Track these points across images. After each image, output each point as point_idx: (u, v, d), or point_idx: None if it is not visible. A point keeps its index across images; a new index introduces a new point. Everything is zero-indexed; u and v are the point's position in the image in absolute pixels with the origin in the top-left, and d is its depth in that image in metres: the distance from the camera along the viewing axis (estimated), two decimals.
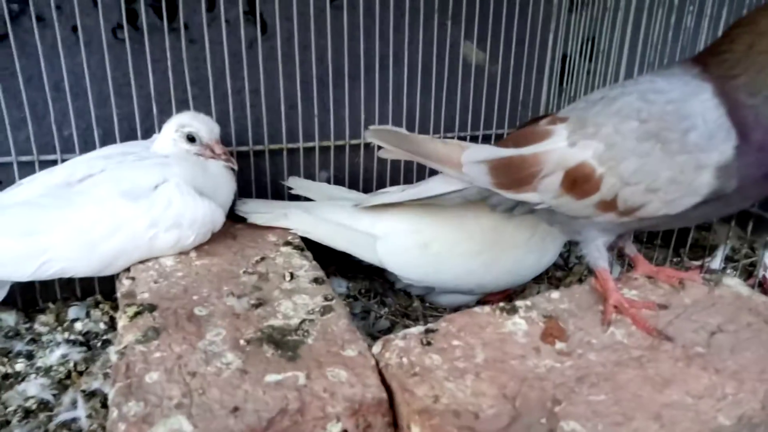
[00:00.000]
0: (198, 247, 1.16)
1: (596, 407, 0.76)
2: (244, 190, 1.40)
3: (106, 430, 0.74)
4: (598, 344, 0.89)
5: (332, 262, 1.40)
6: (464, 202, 1.16)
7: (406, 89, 1.46)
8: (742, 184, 0.84)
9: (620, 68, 1.41)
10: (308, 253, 1.18)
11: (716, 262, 1.40)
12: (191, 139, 1.19)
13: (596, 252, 1.00)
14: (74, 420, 0.98)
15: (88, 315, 1.27)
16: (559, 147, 0.94)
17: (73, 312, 1.27)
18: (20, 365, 1.11)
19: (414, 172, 1.55)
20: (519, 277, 1.32)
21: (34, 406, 1.01)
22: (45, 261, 1.04)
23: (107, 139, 1.27)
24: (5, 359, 1.12)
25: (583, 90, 1.56)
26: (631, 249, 1.10)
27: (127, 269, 1.10)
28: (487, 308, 0.96)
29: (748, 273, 1.43)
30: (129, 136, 1.28)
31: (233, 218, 1.29)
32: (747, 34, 0.81)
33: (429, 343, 0.87)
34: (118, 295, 1.05)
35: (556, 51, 1.59)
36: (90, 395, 1.03)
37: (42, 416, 0.99)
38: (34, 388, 1.04)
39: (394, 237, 1.25)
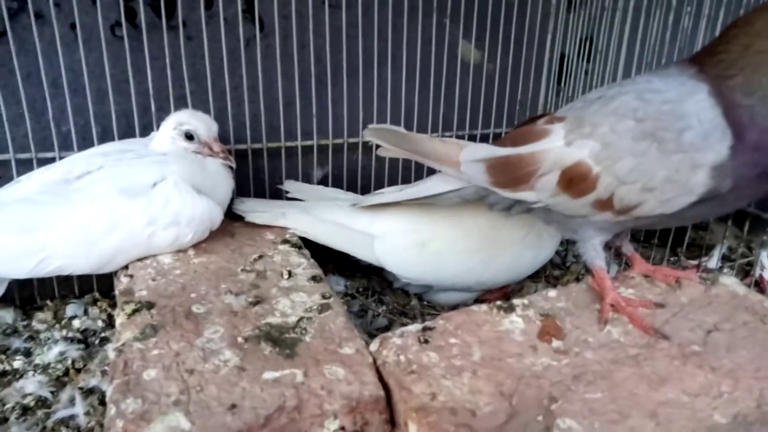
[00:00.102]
0: (196, 245, 1.16)
1: (593, 405, 0.76)
2: (242, 189, 1.40)
3: (103, 427, 0.74)
4: (594, 342, 0.89)
5: (330, 260, 1.40)
6: (462, 202, 1.16)
7: (404, 88, 1.46)
8: (738, 184, 0.84)
9: (618, 68, 1.41)
10: (306, 251, 1.19)
11: (713, 262, 1.41)
12: (189, 137, 1.19)
13: (593, 251, 1.00)
14: (72, 417, 0.99)
15: (86, 312, 1.27)
16: (556, 146, 0.94)
17: (71, 309, 1.27)
18: (18, 362, 1.11)
19: (412, 171, 1.55)
20: (517, 274, 1.33)
21: (32, 404, 1.01)
22: (43, 258, 1.05)
23: (105, 136, 1.27)
24: (3, 356, 1.12)
25: (581, 90, 1.56)
26: (628, 248, 1.11)
27: (126, 267, 1.10)
28: (484, 306, 0.96)
29: (744, 272, 1.43)
30: (127, 133, 1.28)
31: (231, 216, 1.30)
32: (743, 35, 0.81)
33: (426, 341, 0.88)
34: (116, 292, 1.05)
35: (554, 50, 1.60)
36: (88, 392, 1.03)
37: (40, 413, 1.00)
38: (32, 385, 1.05)
39: (391, 236, 1.26)
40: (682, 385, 0.80)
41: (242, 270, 1.09)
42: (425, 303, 1.38)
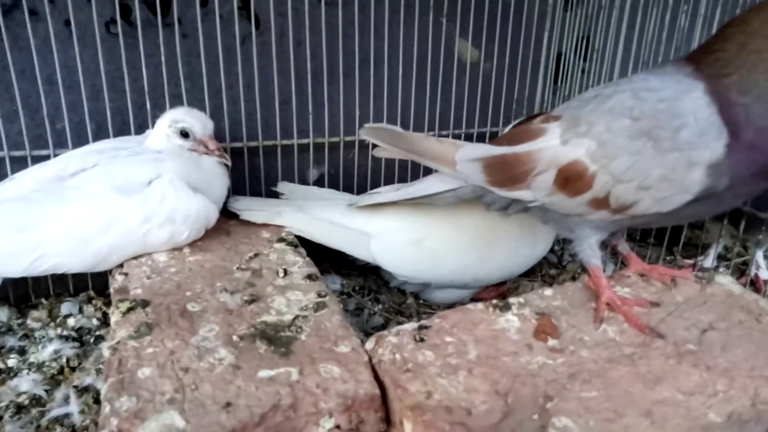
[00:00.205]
0: (191, 243, 1.16)
1: (588, 404, 0.76)
2: (237, 187, 1.40)
3: (98, 425, 0.74)
4: (590, 341, 0.89)
5: (326, 259, 1.40)
6: (458, 201, 1.16)
7: (401, 86, 1.46)
8: (733, 183, 0.84)
9: (614, 67, 1.41)
10: (302, 250, 1.18)
11: (709, 261, 1.41)
12: (185, 134, 1.18)
13: (589, 250, 1.01)
14: (67, 415, 0.98)
15: (80, 311, 1.27)
16: (552, 145, 0.94)
17: (65, 308, 1.26)
18: (12, 361, 1.10)
19: (408, 170, 1.55)
20: (513, 269, 1.33)
21: (26, 402, 1.01)
22: (38, 256, 1.04)
23: (100, 133, 1.27)
24: None
25: (578, 88, 1.56)
26: (624, 247, 1.11)
27: (121, 265, 1.10)
28: (480, 305, 0.96)
29: (740, 272, 1.44)
30: (122, 130, 1.28)
31: (227, 214, 1.29)
32: (739, 34, 0.81)
33: (422, 340, 0.87)
34: (111, 290, 1.04)
35: (551, 49, 1.59)
36: (82, 391, 1.03)
37: (34, 412, 0.99)
38: (26, 383, 1.04)
39: (387, 234, 1.25)
40: (677, 384, 0.80)
41: (238, 268, 1.09)
42: (421, 302, 1.38)
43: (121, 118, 1.28)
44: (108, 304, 1.26)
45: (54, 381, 1.06)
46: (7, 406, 0.99)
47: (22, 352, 1.13)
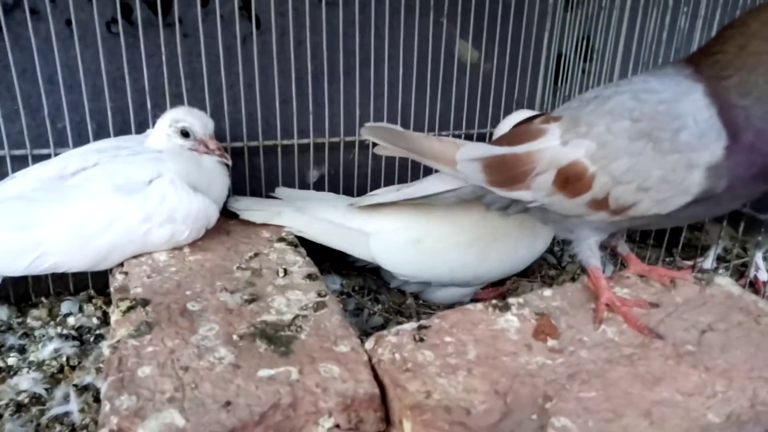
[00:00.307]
0: (191, 243, 1.16)
1: (587, 404, 0.76)
2: (237, 187, 1.40)
3: (98, 423, 0.74)
4: (589, 342, 0.89)
5: (326, 259, 1.40)
6: (459, 201, 1.16)
7: (401, 86, 1.46)
8: (733, 184, 0.84)
9: (615, 68, 1.41)
10: (302, 250, 1.18)
11: (708, 262, 1.41)
12: (185, 134, 1.19)
13: (588, 251, 1.01)
14: (66, 414, 0.98)
15: (81, 310, 1.27)
16: (552, 145, 0.95)
17: (66, 307, 1.27)
18: (12, 359, 1.10)
19: (408, 170, 1.55)
20: (514, 265, 1.33)
21: (26, 400, 1.01)
22: (38, 255, 1.04)
23: (101, 133, 1.27)
24: None
25: (578, 89, 1.57)
26: (623, 248, 1.11)
27: (121, 264, 1.10)
28: (479, 305, 0.97)
29: (739, 273, 1.44)
30: (122, 129, 1.28)
31: (227, 214, 1.29)
32: (739, 36, 0.82)
33: (422, 340, 0.88)
34: (112, 289, 1.05)
35: (551, 50, 1.60)
36: (82, 389, 1.03)
37: (34, 410, 0.99)
38: (26, 382, 1.04)
39: (386, 234, 1.26)
40: (676, 385, 0.80)
41: (238, 268, 1.09)
42: (421, 302, 1.38)
43: (121, 118, 1.28)
44: (108, 303, 1.27)
45: (54, 380, 1.06)
46: (7, 405, 0.99)
47: (22, 350, 1.13)
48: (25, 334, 1.18)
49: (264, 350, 0.85)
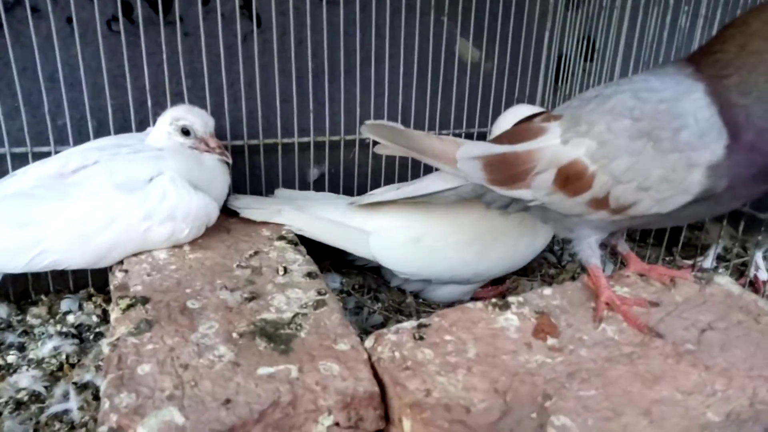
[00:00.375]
0: (191, 241, 1.16)
1: (586, 402, 0.76)
2: (238, 185, 1.40)
3: (97, 421, 0.74)
4: (589, 340, 0.89)
5: (326, 257, 1.40)
6: (459, 200, 1.16)
7: (402, 85, 1.46)
8: (733, 184, 0.84)
9: (615, 67, 1.41)
10: (302, 248, 1.18)
11: (708, 262, 1.42)
12: (186, 132, 1.19)
13: (588, 249, 1.01)
14: (66, 412, 0.98)
15: (80, 308, 1.27)
16: (552, 144, 0.95)
17: (65, 304, 1.27)
18: (12, 357, 1.10)
19: (409, 169, 1.55)
20: (514, 262, 1.33)
21: (25, 398, 1.01)
22: (39, 252, 1.04)
23: (101, 131, 1.27)
24: None
25: (579, 88, 1.57)
26: (623, 247, 1.11)
27: (121, 262, 1.10)
28: (479, 304, 0.97)
29: (739, 272, 1.44)
30: (123, 127, 1.28)
31: (227, 212, 1.30)
32: (739, 35, 0.82)
33: (421, 338, 0.88)
34: (111, 287, 1.05)
35: (552, 49, 1.60)
36: (82, 387, 1.03)
37: (34, 408, 0.99)
38: (25, 380, 1.04)
39: (386, 232, 1.26)
40: (676, 384, 0.80)
41: (238, 266, 1.09)
42: (421, 301, 1.38)
43: (122, 116, 1.28)
44: (108, 301, 1.27)
45: (53, 377, 1.06)
46: (7, 402, 0.99)
47: (21, 348, 1.13)
48: (25, 332, 1.18)
49: (264, 348, 0.85)
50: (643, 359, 0.85)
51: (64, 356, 1.11)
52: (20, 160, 1.22)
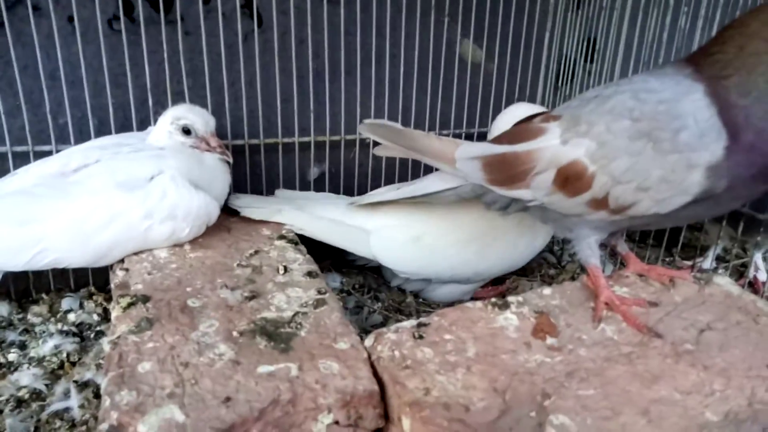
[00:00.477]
0: (192, 240, 1.16)
1: (585, 402, 0.77)
2: (238, 184, 1.40)
3: (98, 419, 0.74)
4: (588, 340, 0.89)
5: (327, 257, 1.40)
6: (459, 199, 1.17)
7: (402, 85, 1.46)
8: (732, 184, 0.84)
9: (615, 67, 1.41)
10: (302, 247, 1.19)
11: (707, 262, 1.42)
12: (186, 131, 1.19)
13: (588, 250, 1.01)
14: (67, 410, 0.99)
15: (81, 306, 1.27)
16: (552, 144, 0.95)
17: (66, 303, 1.27)
18: (13, 355, 1.11)
19: (409, 169, 1.55)
20: (514, 262, 1.33)
21: (26, 396, 1.01)
22: (39, 251, 1.05)
23: (102, 129, 1.27)
24: None
25: (579, 89, 1.57)
26: (623, 247, 1.11)
27: (122, 260, 1.10)
28: (479, 303, 0.97)
29: (739, 273, 1.44)
30: (124, 126, 1.28)
31: (228, 211, 1.30)
32: (738, 36, 0.82)
33: (421, 337, 0.88)
34: (112, 285, 1.05)
35: (552, 49, 1.60)
36: (83, 386, 1.03)
37: (34, 406, 1.00)
38: (26, 378, 1.05)
39: (386, 231, 1.26)
40: (675, 383, 0.80)
41: (238, 265, 1.09)
42: (421, 300, 1.38)
43: (123, 115, 1.28)
44: (108, 299, 1.27)
45: (54, 375, 1.07)
46: (8, 400, 1.00)
47: (22, 346, 1.14)
48: (26, 330, 1.18)
49: (264, 347, 0.85)
50: (642, 359, 0.85)
51: (64, 354, 1.11)
52: (21, 159, 1.22)
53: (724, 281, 1.05)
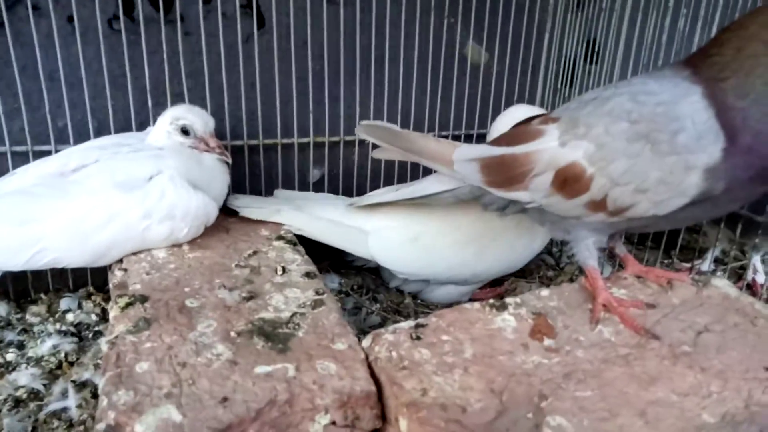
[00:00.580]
0: (191, 240, 1.16)
1: (582, 403, 0.77)
2: (237, 185, 1.40)
3: (95, 418, 0.74)
4: (585, 342, 0.89)
5: (325, 258, 1.40)
6: (457, 201, 1.17)
7: (402, 86, 1.47)
8: (730, 186, 0.85)
9: (615, 69, 1.42)
10: (300, 248, 1.19)
11: (706, 264, 1.42)
12: (186, 131, 1.19)
13: (586, 251, 1.01)
14: (64, 410, 0.99)
15: (80, 306, 1.27)
16: (550, 146, 0.95)
17: (65, 303, 1.27)
18: (11, 355, 1.11)
19: (408, 170, 1.55)
20: (512, 263, 1.33)
21: (24, 396, 1.01)
22: (38, 250, 1.05)
23: (102, 130, 1.27)
24: None
25: (578, 90, 1.57)
26: (621, 249, 1.11)
27: (120, 260, 1.10)
28: (477, 305, 0.97)
29: (737, 276, 1.44)
30: (124, 127, 1.28)
31: (226, 212, 1.30)
32: (736, 38, 0.82)
33: (418, 338, 0.88)
34: (111, 285, 1.05)
35: (552, 50, 1.60)
36: (80, 386, 1.03)
37: (32, 406, 1.00)
38: (24, 377, 1.05)
39: (384, 232, 1.26)
40: (672, 385, 0.80)
41: (236, 265, 1.09)
42: (419, 301, 1.38)
43: (122, 116, 1.28)
44: (107, 300, 1.27)
45: (52, 375, 1.07)
46: (6, 400, 1.00)
47: (20, 346, 1.14)
48: (24, 330, 1.18)
49: (261, 347, 0.85)
50: (639, 360, 0.85)
51: (63, 354, 1.11)
52: (21, 159, 1.22)
53: (722, 283, 1.05)
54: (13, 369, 1.07)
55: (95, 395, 1.01)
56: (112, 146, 1.16)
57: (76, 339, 1.16)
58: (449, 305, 1.08)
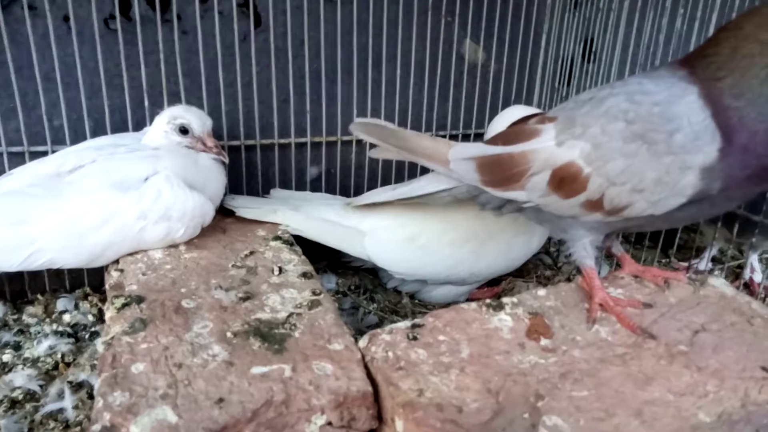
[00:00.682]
0: (187, 240, 1.16)
1: (579, 403, 0.77)
2: (234, 185, 1.40)
3: (91, 419, 0.74)
4: (582, 341, 0.89)
5: (322, 258, 1.40)
6: (454, 200, 1.17)
7: (399, 86, 1.46)
8: (727, 186, 0.85)
9: (612, 69, 1.42)
10: (297, 248, 1.19)
11: (703, 264, 1.42)
12: (183, 131, 1.19)
13: (583, 251, 1.01)
14: (61, 411, 0.99)
15: (76, 307, 1.27)
16: (547, 146, 0.95)
17: (61, 304, 1.27)
18: (7, 356, 1.11)
19: (405, 169, 1.55)
20: (510, 262, 1.33)
21: (20, 397, 1.01)
22: (34, 251, 1.04)
23: (98, 131, 1.27)
24: None
25: (576, 90, 1.57)
26: (618, 249, 1.11)
27: (116, 261, 1.10)
28: (473, 304, 0.97)
29: (735, 275, 1.45)
30: (120, 127, 1.28)
31: (223, 212, 1.30)
32: (732, 38, 0.82)
33: (415, 338, 0.88)
34: (107, 286, 1.05)
35: (550, 50, 1.60)
36: (77, 386, 1.03)
37: (28, 407, 1.00)
38: (21, 378, 1.04)
39: (381, 232, 1.26)
40: (668, 384, 0.80)
41: (233, 266, 1.09)
42: (416, 301, 1.38)
43: (119, 116, 1.28)
44: (103, 300, 1.27)
45: (48, 376, 1.06)
46: (2, 401, 1.00)
47: (17, 347, 1.13)
48: (21, 331, 1.18)
49: (258, 348, 0.85)
50: (635, 360, 0.85)
51: (59, 355, 1.11)
52: (17, 160, 1.22)
53: (719, 282, 1.05)
54: (10, 370, 1.07)
55: (91, 396, 1.00)
56: (109, 146, 1.16)
57: (72, 340, 1.16)
58: (447, 305, 1.08)
